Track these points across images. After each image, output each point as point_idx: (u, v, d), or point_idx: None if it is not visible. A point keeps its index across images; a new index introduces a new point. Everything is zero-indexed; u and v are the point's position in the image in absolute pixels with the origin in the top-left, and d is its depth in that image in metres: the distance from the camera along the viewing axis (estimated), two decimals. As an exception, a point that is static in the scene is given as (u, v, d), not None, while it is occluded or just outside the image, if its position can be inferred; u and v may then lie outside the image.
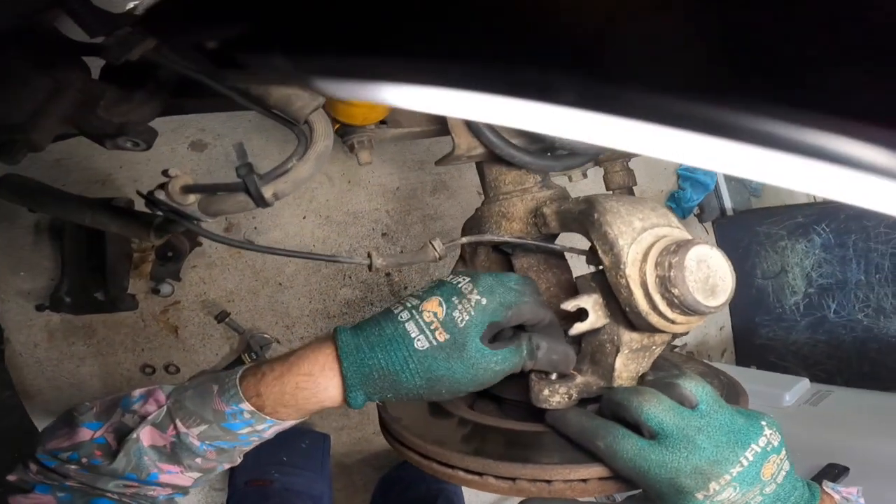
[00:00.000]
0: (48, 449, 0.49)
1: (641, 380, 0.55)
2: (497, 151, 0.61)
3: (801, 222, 2.12)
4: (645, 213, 0.50)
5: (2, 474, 0.50)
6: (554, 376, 0.55)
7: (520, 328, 0.52)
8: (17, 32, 0.46)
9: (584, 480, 0.51)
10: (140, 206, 0.61)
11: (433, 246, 0.57)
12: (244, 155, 0.46)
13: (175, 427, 0.48)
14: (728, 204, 2.29)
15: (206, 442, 0.49)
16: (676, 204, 2.20)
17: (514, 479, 0.52)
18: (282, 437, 1.24)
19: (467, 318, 0.46)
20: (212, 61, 0.27)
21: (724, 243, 2.26)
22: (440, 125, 0.74)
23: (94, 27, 0.44)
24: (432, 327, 0.46)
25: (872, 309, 2.07)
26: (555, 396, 0.54)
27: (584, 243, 0.55)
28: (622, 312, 0.50)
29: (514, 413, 0.62)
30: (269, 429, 0.51)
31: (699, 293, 0.45)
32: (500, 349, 0.48)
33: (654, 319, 0.47)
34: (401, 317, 0.46)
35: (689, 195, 2.19)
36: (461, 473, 0.54)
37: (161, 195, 0.48)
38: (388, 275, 1.46)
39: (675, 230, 0.50)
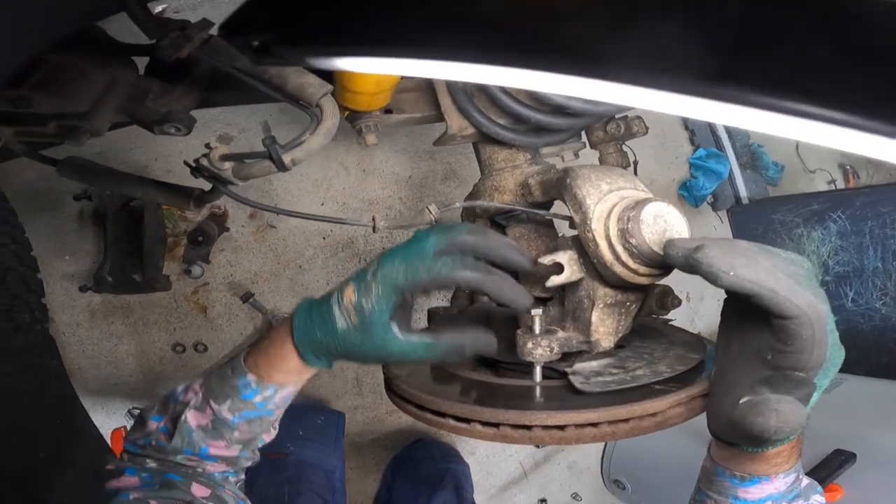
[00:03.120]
0: (131, 440, 0.62)
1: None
2: (483, 130, 0.68)
3: (817, 209, 2.11)
4: (613, 178, 0.56)
5: (50, 438, 0.63)
6: (537, 330, 0.59)
7: None
8: (79, 35, 0.56)
9: (561, 427, 0.53)
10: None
11: (429, 210, 0.64)
12: (269, 129, 0.55)
13: (210, 406, 0.59)
14: (743, 192, 2.29)
15: (236, 414, 0.59)
16: (689, 192, 2.21)
17: (497, 425, 0.55)
18: (298, 412, 1.34)
19: (369, 306, 0.51)
20: (255, 54, 0.38)
21: (738, 231, 2.26)
22: (437, 111, 0.81)
23: (151, 30, 0.53)
24: (347, 311, 0.52)
25: (890, 297, 2.04)
26: (537, 349, 0.58)
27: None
28: (595, 269, 0.54)
29: (510, 374, 0.66)
30: (275, 395, 0.60)
31: (655, 245, 0.50)
32: (408, 339, 0.52)
33: (618, 269, 0.52)
34: (332, 300, 0.54)
35: (701, 184, 2.20)
36: (451, 421, 0.58)
37: (204, 162, 0.58)
38: (400, 258, 1.54)
39: (639, 192, 0.55)
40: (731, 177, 2.26)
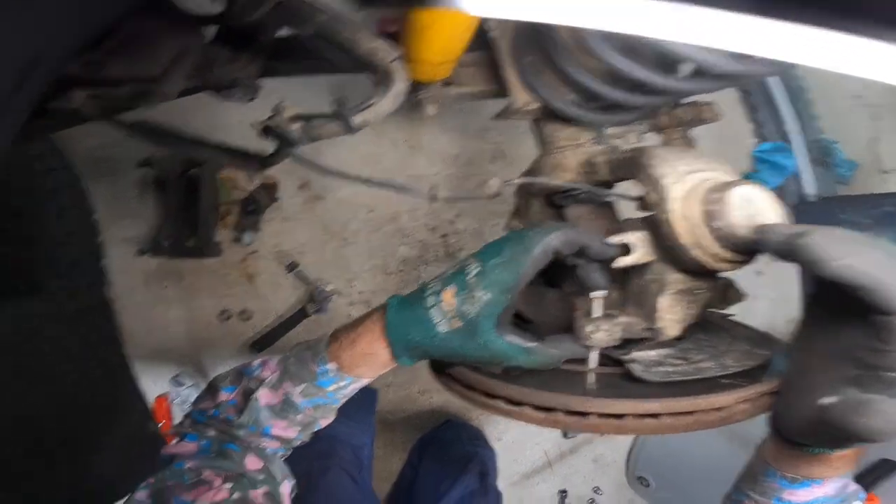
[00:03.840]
0: (199, 408, 0.62)
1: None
2: (551, 105, 0.65)
3: (890, 211, 1.96)
4: (690, 160, 0.52)
5: (99, 394, 0.66)
6: (598, 314, 0.55)
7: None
8: (151, 5, 0.57)
9: (619, 416, 0.51)
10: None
11: (491, 184, 0.62)
12: (339, 92, 0.54)
13: (284, 388, 0.59)
14: (810, 189, 2.15)
15: (306, 399, 0.60)
16: (748, 186, 2.11)
17: (549, 410, 0.53)
18: None
19: (474, 311, 0.51)
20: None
21: (802, 230, 2.14)
22: (498, 86, 0.78)
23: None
24: (449, 315, 0.52)
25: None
26: (598, 333, 0.55)
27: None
28: (668, 252, 0.51)
29: (569, 361, 0.62)
30: (349, 385, 0.61)
31: (743, 229, 0.46)
32: (511, 341, 0.52)
33: (697, 253, 0.48)
34: (428, 302, 0.53)
35: (764, 178, 2.08)
36: (502, 404, 0.55)
37: (274, 122, 0.58)
38: (444, 236, 1.54)
39: (724, 175, 0.51)
40: (797, 172, 2.13)
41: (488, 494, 1.30)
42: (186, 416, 0.64)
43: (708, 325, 0.68)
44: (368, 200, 1.49)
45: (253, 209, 1.36)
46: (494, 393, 0.56)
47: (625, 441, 1.77)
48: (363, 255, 1.49)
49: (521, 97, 0.68)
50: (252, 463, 0.59)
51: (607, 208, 0.72)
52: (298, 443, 0.67)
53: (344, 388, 0.61)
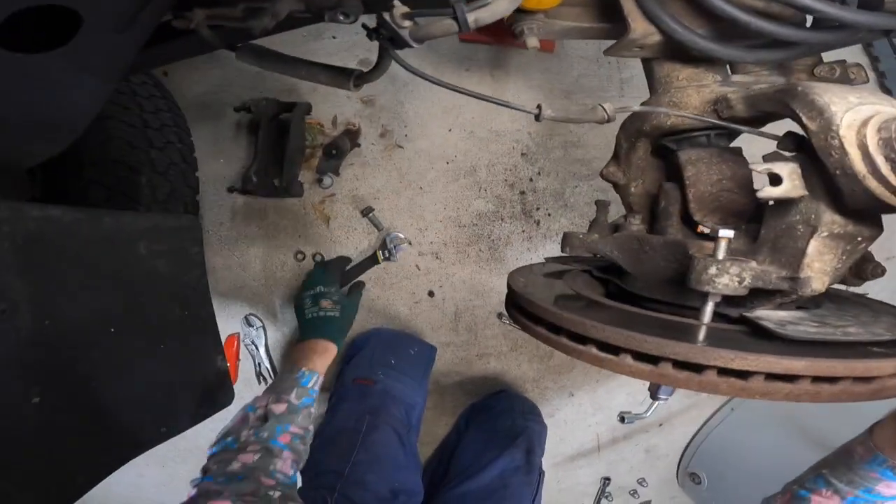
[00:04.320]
0: (226, 440, 0.88)
1: None
2: (677, 37, 0.59)
3: None
4: (862, 94, 0.45)
5: (177, 313, 0.72)
6: (722, 254, 0.47)
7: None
8: None
9: (744, 374, 0.42)
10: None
11: (603, 108, 0.57)
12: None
13: (283, 399, 0.93)
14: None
15: (300, 400, 0.94)
16: None
17: (657, 360, 0.45)
18: (394, 340, 1.52)
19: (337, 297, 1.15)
20: None
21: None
22: (606, 23, 0.72)
23: None
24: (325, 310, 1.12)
25: None
26: (723, 276, 0.46)
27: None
28: (826, 190, 0.44)
29: (676, 312, 0.55)
30: (318, 380, 1.02)
31: None
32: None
33: (871, 183, 0.42)
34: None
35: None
36: (594, 349, 0.48)
37: (387, 17, 0.56)
38: (522, 193, 1.50)
39: None
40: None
41: (531, 473, 1.26)
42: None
43: (840, 299, 0.62)
44: (447, 152, 1.48)
45: (335, 154, 1.39)
46: (587, 335, 0.49)
47: (684, 435, 1.68)
48: (438, 205, 1.48)
49: (640, 27, 0.62)
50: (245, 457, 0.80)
51: (732, 153, 0.65)
52: (310, 438, 0.93)
53: (316, 382, 1.00)
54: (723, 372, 0.43)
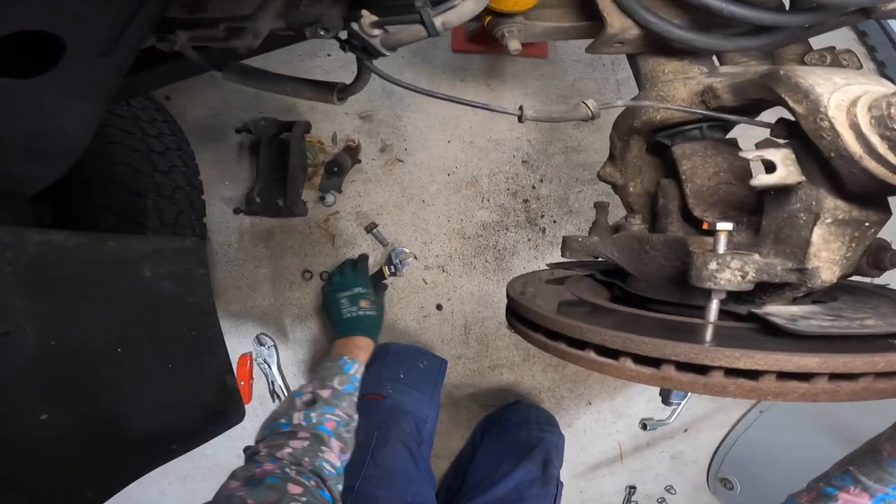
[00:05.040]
0: (281, 421, 0.92)
1: None
2: (654, 28, 0.58)
3: None
4: (849, 75, 0.44)
5: (184, 332, 0.73)
6: (722, 248, 0.44)
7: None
8: None
9: (754, 374, 0.40)
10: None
11: (587, 105, 0.56)
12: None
13: (327, 386, 0.98)
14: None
15: (343, 386, 1.00)
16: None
17: (659, 363, 0.43)
18: (404, 354, 1.50)
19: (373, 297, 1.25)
20: None
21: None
22: (587, 21, 0.72)
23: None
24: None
25: None
26: (724, 272, 0.44)
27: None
28: (824, 174, 0.42)
29: (681, 312, 0.53)
30: (360, 368, 1.08)
31: None
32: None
33: (870, 164, 0.40)
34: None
35: None
36: (593, 354, 0.46)
37: (356, 28, 0.57)
38: (525, 201, 1.49)
39: (887, 88, 0.43)
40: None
41: (548, 485, 1.22)
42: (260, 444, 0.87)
43: (856, 291, 0.58)
44: (448, 164, 1.48)
45: (336, 171, 1.41)
46: (585, 339, 0.47)
47: (711, 440, 1.62)
48: (441, 217, 1.48)
49: (616, 21, 0.61)
50: (293, 488, 0.72)
51: (728, 144, 0.63)
52: (354, 426, 0.97)
53: (357, 370, 1.07)
54: (730, 372, 0.41)
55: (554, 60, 1.48)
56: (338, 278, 1.37)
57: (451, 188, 1.47)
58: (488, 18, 0.72)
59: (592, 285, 0.74)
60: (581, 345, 0.48)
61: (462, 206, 1.48)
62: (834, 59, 0.71)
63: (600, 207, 0.75)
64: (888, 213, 0.46)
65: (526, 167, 1.48)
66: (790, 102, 0.44)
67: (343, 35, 0.62)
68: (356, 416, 0.98)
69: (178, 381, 0.83)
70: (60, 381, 0.65)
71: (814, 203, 0.44)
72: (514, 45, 0.71)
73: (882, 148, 0.39)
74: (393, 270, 1.47)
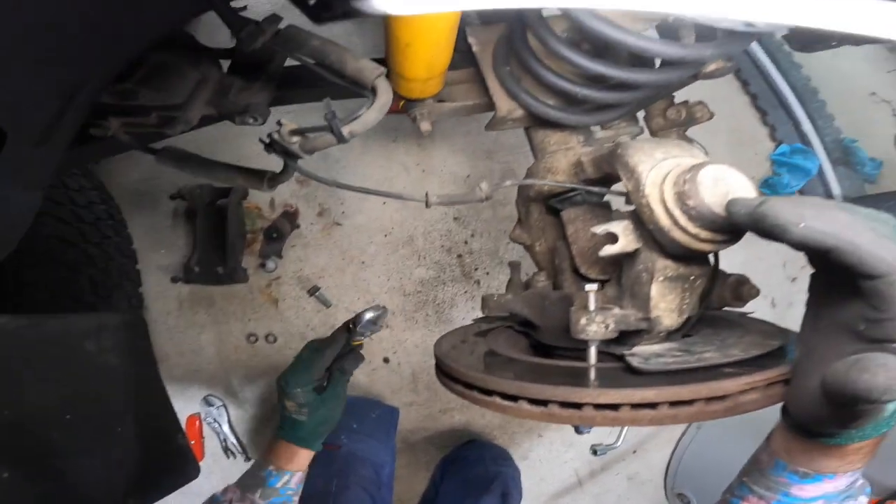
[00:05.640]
0: None
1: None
2: (532, 110, 0.69)
3: (923, 208, 1.89)
4: (668, 148, 0.53)
5: (131, 409, 0.76)
6: (592, 307, 0.55)
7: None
8: (174, 38, 0.65)
9: (614, 407, 0.49)
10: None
11: (480, 187, 0.65)
12: (330, 105, 0.60)
13: (248, 498, 0.85)
14: (836, 190, 2.10)
15: (267, 500, 0.86)
16: (772, 190, 2.06)
17: (546, 403, 0.52)
18: (355, 406, 1.47)
19: (303, 399, 0.92)
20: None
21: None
22: (489, 99, 0.83)
23: (234, 25, 0.61)
24: (295, 411, 0.92)
25: None
26: (591, 326, 0.54)
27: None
28: (654, 239, 0.51)
29: (565, 359, 0.62)
30: (291, 478, 0.90)
31: (717, 206, 0.46)
32: (329, 393, 0.91)
33: (677, 234, 0.48)
34: (288, 412, 0.93)
35: (786, 181, 2.04)
36: (498, 399, 0.55)
37: (276, 136, 0.64)
38: (459, 256, 1.57)
39: (697, 159, 0.52)
40: (820, 173, 2.08)
41: None
42: None
43: (719, 322, 0.68)
44: (384, 225, 1.55)
45: (276, 236, 1.45)
46: (490, 388, 0.56)
47: (661, 458, 1.71)
48: (381, 277, 1.54)
49: (504, 105, 0.73)
50: None
51: (603, 209, 0.73)
52: None
53: (288, 482, 0.90)
54: (598, 407, 0.50)
55: (478, 118, 1.61)
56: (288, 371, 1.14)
57: (389, 248, 1.54)
58: (402, 102, 0.82)
59: (512, 335, 0.81)
60: (489, 392, 0.57)
61: (400, 264, 1.55)
62: (688, 112, 0.85)
63: (513, 266, 0.84)
64: (709, 265, 0.57)
65: (458, 223, 1.58)
66: (623, 180, 0.53)
67: (267, 139, 0.69)
68: None
69: (130, 443, 0.84)
70: (16, 445, 0.67)
71: (650, 264, 0.53)
72: (424, 126, 0.80)
73: (683, 220, 0.47)
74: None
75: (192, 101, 0.72)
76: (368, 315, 0.96)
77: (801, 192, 2.08)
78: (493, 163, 1.60)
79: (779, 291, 1.75)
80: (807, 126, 2.03)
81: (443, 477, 1.49)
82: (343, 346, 0.94)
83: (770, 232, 0.40)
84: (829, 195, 2.09)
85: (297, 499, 0.88)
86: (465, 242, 1.58)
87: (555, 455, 1.65)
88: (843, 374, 0.40)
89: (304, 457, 0.92)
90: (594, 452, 1.66)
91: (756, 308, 0.67)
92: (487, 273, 1.58)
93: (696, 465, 1.66)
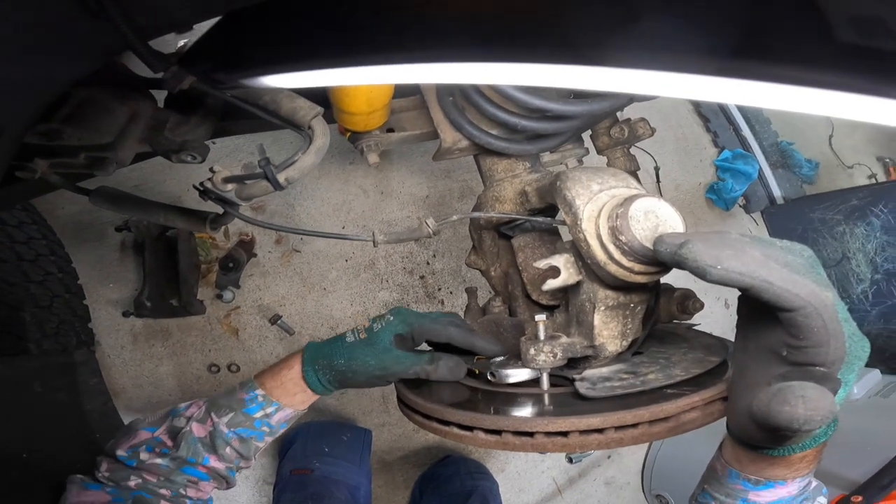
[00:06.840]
0: (127, 446, 0.67)
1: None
2: (476, 141, 0.70)
3: (857, 205, 2.02)
4: (604, 178, 0.54)
5: (85, 450, 0.71)
6: (541, 336, 0.57)
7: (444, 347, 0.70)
8: (102, 70, 0.62)
9: (564, 433, 0.51)
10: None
11: (427, 223, 0.65)
12: (264, 151, 0.59)
13: (211, 419, 0.67)
14: (777, 192, 2.21)
15: (232, 429, 0.67)
16: (718, 195, 2.15)
17: (499, 433, 0.53)
18: (325, 430, 1.40)
19: (379, 327, 0.67)
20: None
21: (776, 232, 2.18)
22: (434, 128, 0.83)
23: (155, 65, 0.59)
24: (359, 332, 0.68)
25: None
26: (540, 356, 0.56)
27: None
28: (593, 271, 0.52)
29: (522, 385, 0.63)
30: (275, 413, 0.69)
31: (647, 241, 0.47)
32: (402, 352, 0.66)
33: (612, 269, 0.50)
34: (346, 334, 0.69)
35: (730, 186, 2.14)
36: (455, 429, 0.57)
37: (209, 185, 0.62)
38: (422, 277, 1.57)
39: (630, 190, 0.54)
40: (761, 177, 2.18)
41: None
42: (102, 460, 0.68)
43: (667, 337, 0.70)
44: (344, 250, 1.54)
45: (232, 266, 1.40)
46: (447, 419, 0.58)
47: (635, 461, 1.75)
48: (344, 301, 1.52)
49: (448, 136, 0.73)
50: None
51: (552, 234, 0.74)
52: (236, 483, 0.73)
53: (270, 416, 0.69)
54: (548, 434, 0.51)
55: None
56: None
57: (351, 273, 1.53)
58: (349, 134, 0.81)
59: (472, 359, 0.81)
60: (446, 423, 0.58)
61: (363, 289, 1.53)
62: (631, 131, 0.87)
63: (470, 293, 0.84)
64: (648, 292, 0.59)
65: (419, 245, 1.58)
66: (563, 213, 0.54)
67: (201, 186, 0.66)
68: (252, 461, 0.72)
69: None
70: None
71: (592, 294, 0.55)
72: (372, 157, 0.80)
73: (618, 255, 0.48)
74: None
75: (122, 139, 0.67)
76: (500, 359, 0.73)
77: (745, 196, 2.18)
78: (452, 181, 1.62)
79: (731, 294, 1.82)
80: (746, 131, 2.13)
81: (422, 494, 1.50)
82: (470, 353, 0.70)
83: (692, 272, 0.42)
84: (770, 198, 2.19)
85: (269, 440, 0.70)
86: (427, 263, 1.58)
87: (532, 465, 1.67)
88: (765, 406, 0.42)
89: (301, 393, 0.69)
90: (570, 460, 1.70)
91: (710, 310, 0.70)
92: (451, 292, 1.58)
93: (672, 466, 1.70)
